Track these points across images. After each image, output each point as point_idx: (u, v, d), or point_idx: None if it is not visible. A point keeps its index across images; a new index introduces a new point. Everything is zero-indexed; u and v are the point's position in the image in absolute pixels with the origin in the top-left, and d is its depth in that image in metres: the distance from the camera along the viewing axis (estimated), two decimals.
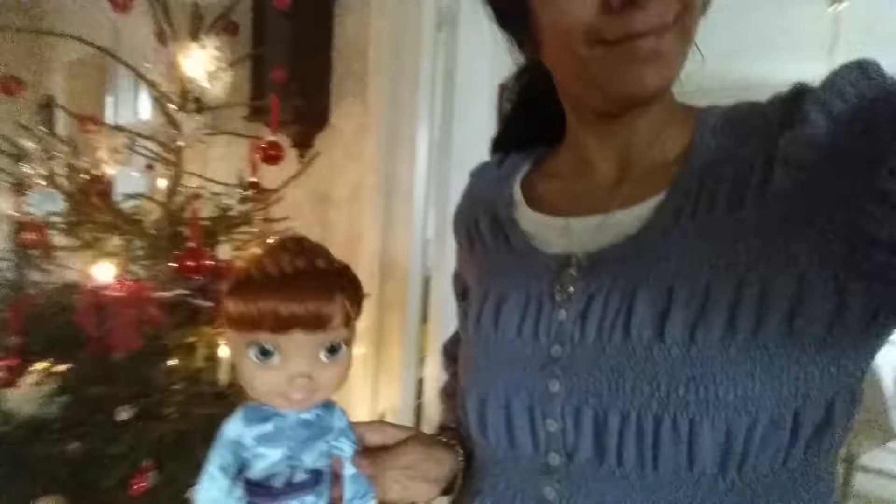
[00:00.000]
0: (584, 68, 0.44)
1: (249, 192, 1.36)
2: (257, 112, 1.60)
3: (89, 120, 1.12)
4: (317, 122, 1.58)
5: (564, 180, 0.55)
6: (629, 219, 0.46)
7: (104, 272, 1.13)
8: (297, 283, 0.42)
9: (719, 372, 0.39)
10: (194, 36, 1.26)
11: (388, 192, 1.54)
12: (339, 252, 1.61)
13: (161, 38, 1.24)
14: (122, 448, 1.10)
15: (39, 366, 1.14)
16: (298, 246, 0.46)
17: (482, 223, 0.59)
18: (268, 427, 0.46)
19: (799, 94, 0.43)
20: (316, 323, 0.42)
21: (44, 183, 1.03)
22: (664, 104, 0.48)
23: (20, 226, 1.08)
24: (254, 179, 1.37)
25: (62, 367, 1.15)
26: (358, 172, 1.56)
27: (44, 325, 1.14)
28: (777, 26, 3.12)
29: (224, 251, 1.19)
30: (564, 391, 0.44)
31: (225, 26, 1.34)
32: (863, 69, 0.40)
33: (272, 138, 1.29)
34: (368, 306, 1.49)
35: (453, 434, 0.58)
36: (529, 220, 0.54)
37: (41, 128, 1.13)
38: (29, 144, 1.04)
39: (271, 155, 1.29)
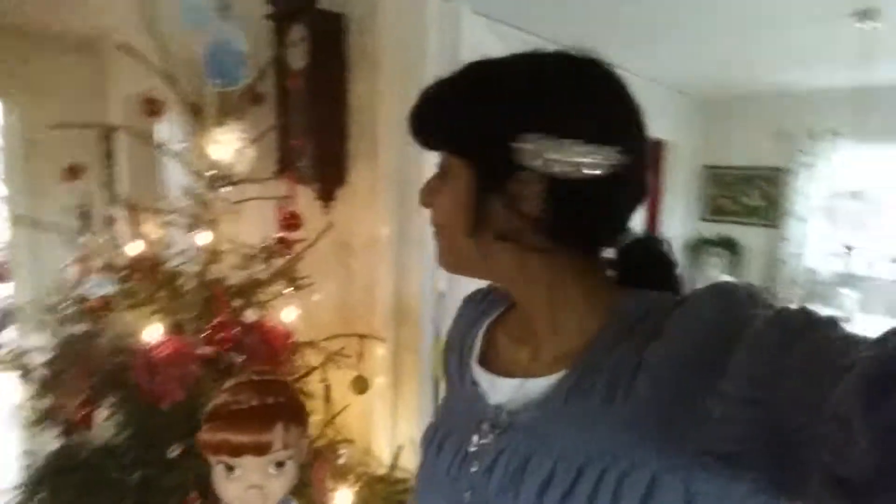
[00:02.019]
0: None
1: (277, 250, 1.55)
2: (284, 169, 1.78)
3: (133, 207, 1.32)
4: (336, 178, 1.74)
5: (510, 340, 0.62)
6: (538, 388, 0.53)
7: (153, 331, 1.33)
8: (246, 419, 0.58)
9: None
10: (221, 120, 1.44)
11: (401, 242, 1.68)
12: (358, 297, 1.81)
13: (192, 124, 1.43)
14: (174, 480, 1.31)
15: (107, 402, 1.38)
16: (257, 382, 0.61)
17: (453, 359, 0.67)
18: None
19: (674, 307, 0.47)
20: (260, 449, 0.58)
21: (100, 266, 1.24)
22: (557, 299, 0.54)
23: (83, 298, 1.29)
24: (280, 236, 1.55)
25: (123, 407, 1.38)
26: (373, 223, 1.70)
27: (109, 374, 1.36)
28: (811, 40, 3.11)
29: (252, 313, 1.37)
30: None
31: (251, 98, 1.52)
32: (721, 292, 0.45)
33: (290, 209, 1.47)
34: (385, 346, 1.67)
35: None
36: (475, 369, 0.62)
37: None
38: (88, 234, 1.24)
39: (290, 223, 1.47)
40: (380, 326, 1.70)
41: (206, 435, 0.58)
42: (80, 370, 1.30)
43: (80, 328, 1.35)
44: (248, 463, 0.58)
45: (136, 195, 1.40)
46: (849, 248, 4.51)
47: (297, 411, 0.62)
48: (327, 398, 1.53)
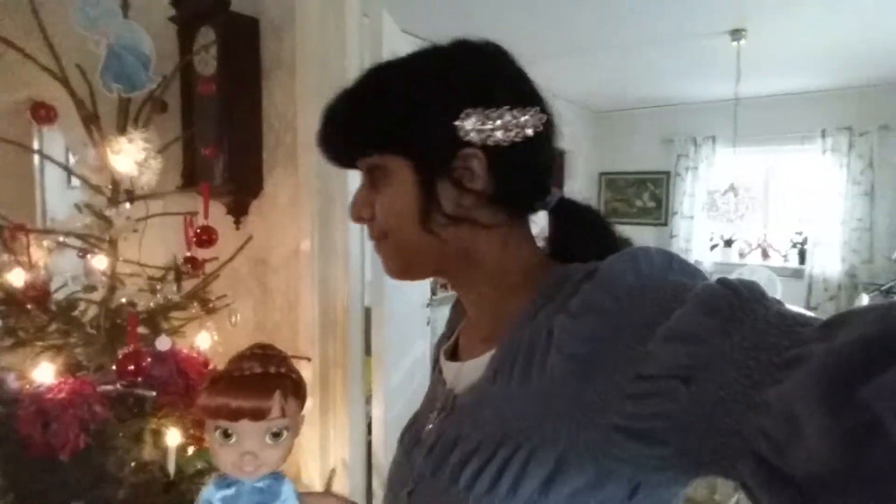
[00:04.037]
0: None
1: (186, 271, 1.42)
2: (191, 183, 1.64)
3: (20, 228, 1.15)
4: (251, 190, 1.63)
5: (466, 329, 0.62)
6: (473, 369, 0.54)
7: (45, 373, 1.16)
8: (246, 384, 0.57)
9: None
10: (122, 129, 1.29)
11: (324, 255, 1.60)
12: (279, 315, 1.69)
13: (89, 134, 1.27)
14: None
15: None
16: (260, 353, 0.60)
17: (436, 357, 0.67)
18: (231, 491, 0.59)
19: (585, 278, 0.46)
20: (258, 414, 0.55)
21: None
22: (497, 279, 0.54)
23: None
24: (189, 255, 1.42)
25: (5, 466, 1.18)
26: (294, 237, 1.62)
27: None
28: (691, 57, 3.43)
29: (163, 342, 1.24)
30: None
31: (154, 107, 1.37)
32: (633, 260, 0.44)
33: (204, 223, 1.35)
34: (311, 366, 1.58)
35: None
36: (441, 359, 0.62)
37: None
38: None
39: (204, 239, 1.35)
40: (304, 345, 1.61)
41: (205, 399, 0.57)
42: None
43: None
44: (244, 428, 0.56)
45: (11, 218, 1.20)
46: (727, 241, 5.01)
47: (297, 384, 0.61)
48: None
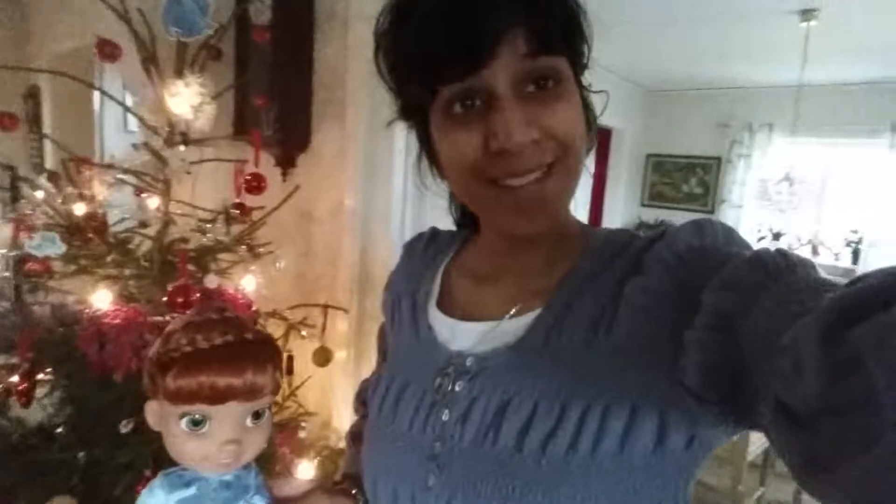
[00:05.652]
0: (477, 202, 0.50)
1: (234, 216, 1.47)
2: (241, 132, 1.69)
3: (83, 161, 1.21)
4: (299, 143, 1.66)
5: (472, 282, 0.59)
6: (513, 328, 0.51)
7: (102, 299, 1.23)
8: (232, 357, 0.46)
9: (562, 482, 0.44)
10: (179, 72, 1.34)
11: (367, 212, 1.63)
12: (320, 267, 1.74)
13: (148, 75, 1.32)
14: (126, 457, 1.22)
15: (45, 378, 1.27)
16: (224, 318, 0.49)
17: (404, 304, 0.62)
18: (190, 491, 0.49)
19: (651, 242, 0.48)
20: (250, 393, 0.46)
21: (43, 222, 1.13)
22: (549, 237, 0.52)
23: (22, 258, 1.18)
24: (238, 201, 1.47)
25: (66, 382, 1.28)
26: (338, 192, 1.65)
27: (50, 345, 1.25)
28: (756, 37, 3.25)
29: (211, 280, 1.30)
30: (439, 486, 0.49)
31: (209, 53, 1.41)
32: (699, 228, 0.47)
33: (255, 170, 1.39)
34: (348, 317, 1.63)
35: (355, 482, 0.62)
36: (433, 315, 0.58)
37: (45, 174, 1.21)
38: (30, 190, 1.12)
39: (254, 186, 1.39)
40: (343, 297, 1.65)
41: (175, 381, 0.45)
42: (20, 341, 1.18)
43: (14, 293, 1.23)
44: (226, 413, 0.46)
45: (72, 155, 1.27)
46: (776, 234, 4.84)
47: (280, 354, 0.51)
48: (290, 370, 1.48)
